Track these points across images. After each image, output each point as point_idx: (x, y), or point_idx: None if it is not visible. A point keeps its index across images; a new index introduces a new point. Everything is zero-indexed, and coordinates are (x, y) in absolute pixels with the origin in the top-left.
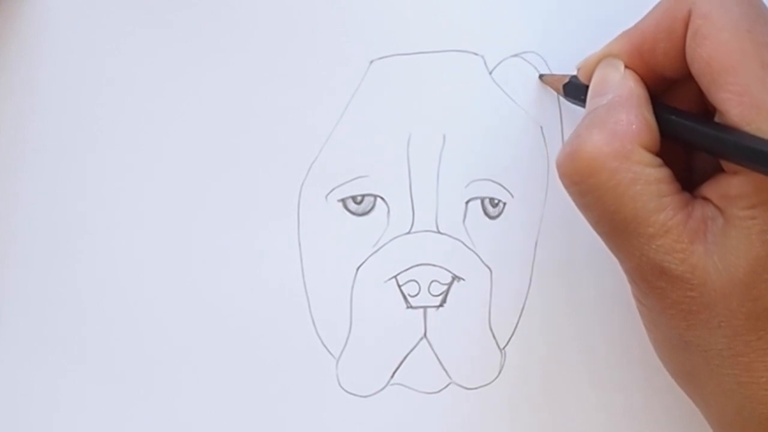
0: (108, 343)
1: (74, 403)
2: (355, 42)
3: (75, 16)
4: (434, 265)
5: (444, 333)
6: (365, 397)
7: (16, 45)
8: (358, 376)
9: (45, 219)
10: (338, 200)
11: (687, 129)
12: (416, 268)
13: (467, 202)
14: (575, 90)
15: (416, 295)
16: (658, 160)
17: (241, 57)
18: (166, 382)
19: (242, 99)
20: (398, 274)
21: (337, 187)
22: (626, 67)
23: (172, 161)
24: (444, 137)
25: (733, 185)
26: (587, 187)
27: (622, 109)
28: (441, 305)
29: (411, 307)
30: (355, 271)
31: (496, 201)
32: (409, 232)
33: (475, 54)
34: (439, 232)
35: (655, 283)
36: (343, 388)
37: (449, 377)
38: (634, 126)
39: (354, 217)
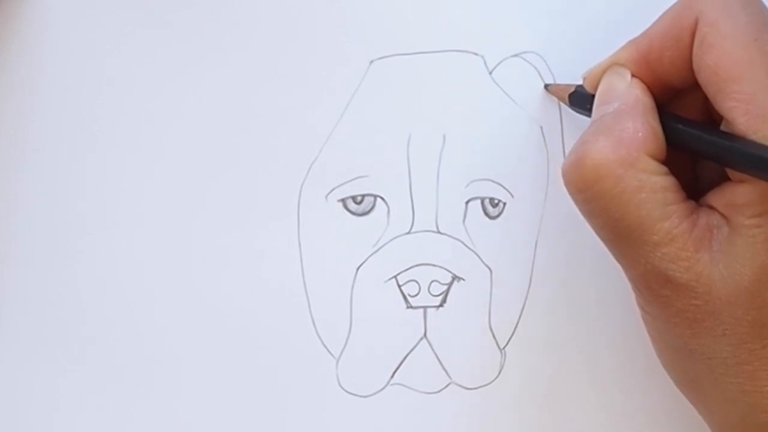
0: (108, 343)
1: (74, 403)
2: (355, 42)
3: (75, 16)
4: (434, 265)
5: (444, 333)
6: (365, 397)
7: (16, 45)
8: (358, 376)
9: (45, 219)
10: (338, 200)
11: (693, 137)
12: (416, 268)
13: (467, 202)
14: (581, 99)
15: (416, 295)
16: (664, 168)
17: (241, 57)
18: (166, 382)
19: (242, 99)
20: (398, 274)
21: (337, 187)
22: (633, 75)
23: (172, 161)
24: (444, 137)
25: (738, 194)
26: (592, 194)
27: (629, 117)
28: (441, 305)
29: (411, 307)
30: (355, 271)
31: (496, 201)
32: (409, 232)
33: (475, 54)
34: (439, 232)
35: (660, 292)
36: (343, 388)
37: (449, 377)
38: (640, 134)
39: (354, 217)
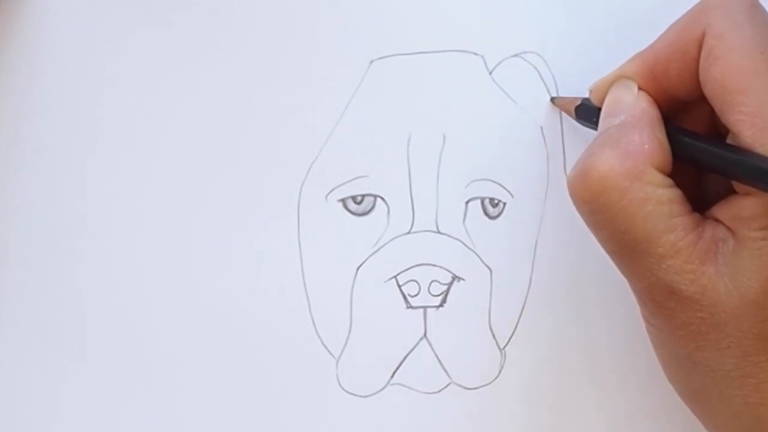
0: (108, 343)
1: (74, 403)
2: (355, 42)
3: (75, 16)
4: (434, 265)
5: (444, 333)
6: (365, 397)
7: (16, 45)
8: (358, 376)
9: (45, 219)
10: (338, 200)
11: (699, 150)
12: (416, 268)
13: (467, 202)
14: (587, 112)
15: (416, 295)
16: (670, 181)
17: (241, 57)
18: (166, 382)
19: (242, 99)
20: (398, 274)
21: (337, 187)
22: (639, 88)
23: (172, 161)
24: (444, 137)
25: (744, 206)
26: (598, 206)
27: (635, 130)
28: (441, 305)
29: (411, 307)
30: (355, 271)
31: (496, 201)
32: (409, 232)
33: (475, 54)
34: (439, 232)
35: (665, 304)
36: (343, 388)
37: (449, 377)
38: (646, 146)
39: (354, 217)
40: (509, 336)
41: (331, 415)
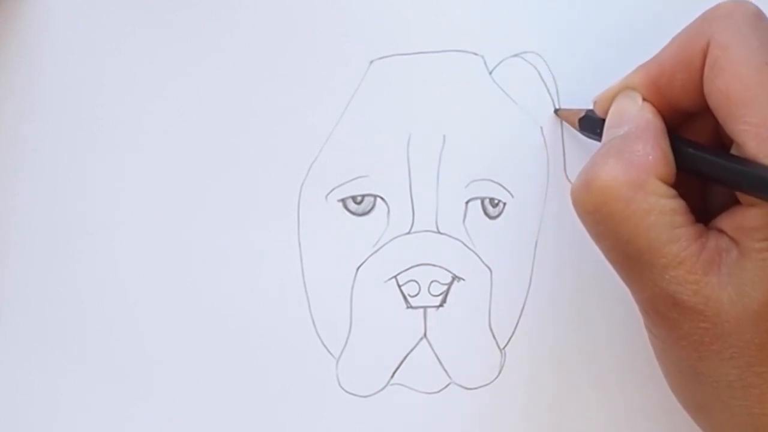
0: (108, 343)
1: (74, 403)
2: (355, 42)
3: (75, 16)
4: (434, 265)
5: (444, 333)
6: (365, 397)
7: (16, 45)
8: (358, 376)
9: (45, 219)
10: (338, 200)
11: (703, 161)
12: (416, 268)
13: (467, 202)
14: (591, 124)
15: (416, 295)
16: (673, 192)
17: (241, 57)
18: (166, 382)
19: (242, 99)
20: (398, 274)
21: (337, 187)
22: (644, 99)
23: (172, 161)
24: (444, 137)
25: (748, 217)
26: (601, 216)
27: (639, 140)
28: (441, 305)
29: (411, 307)
30: (355, 271)
31: (496, 201)
32: (409, 232)
33: (475, 54)
34: (439, 232)
35: (668, 315)
36: (343, 388)
37: (449, 377)
38: (650, 157)
39: (354, 217)
40: (509, 336)
41: (331, 415)
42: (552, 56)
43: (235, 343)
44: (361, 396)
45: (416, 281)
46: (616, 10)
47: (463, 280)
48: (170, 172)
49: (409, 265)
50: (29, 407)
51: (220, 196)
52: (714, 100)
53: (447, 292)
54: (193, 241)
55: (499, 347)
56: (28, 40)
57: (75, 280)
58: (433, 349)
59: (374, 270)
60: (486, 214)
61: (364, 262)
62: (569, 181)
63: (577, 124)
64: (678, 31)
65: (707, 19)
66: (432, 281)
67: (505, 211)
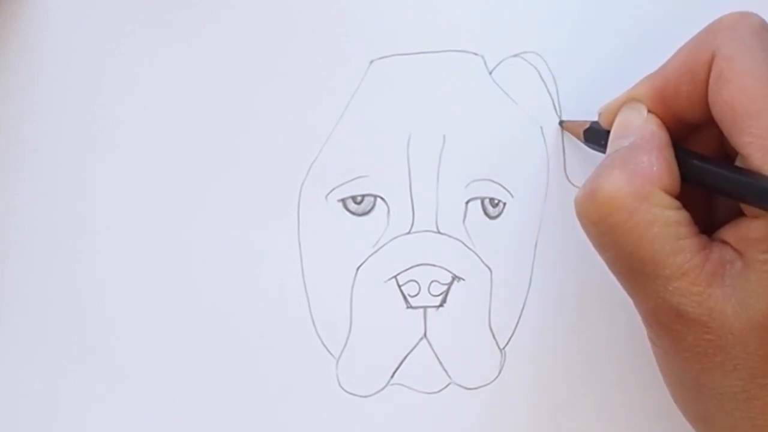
0: (108, 343)
1: (74, 402)
2: (355, 42)
3: (75, 16)
4: (434, 265)
5: (444, 333)
6: (365, 397)
7: (16, 45)
8: (358, 376)
9: (45, 219)
10: (338, 200)
11: (708, 173)
12: (416, 268)
13: (467, 202)
14: (596, 135)
15: (416, 295)
16: (677, 203)
17: (241, 57)
18: (166, 382)
19: (242, 99)
20: (398, 274)
21: (337, 187)
22: (649, 111)
23: (172, 161)
24: (444, 137)
25: (753, 229)
26: (605, 227)
27: (644, 152)
28: (441, 305)
29: (411, 307)
30: (355, 271)
31: (496, 201)
32: (409, 232)
33: (475, 54)
34: (439, 232)
35: (671, 326)
36: (343, 388)
37: (449, 377)
38: (655, 168)
39: (354, 217)
40: (509, 336)
41: (331, 415)
42: (552, 56)
43: (235, 343)
44: (361, 396)
45: (416, 281)
46: (616, 10)
47: (463, 280)
48: (170, 172)
49: (409, 265)
50: (29, 407)
51: (220, 196)
52: (719, 112)
53: (447, 292)
54: (193, 241)
55: (499, 347)
56: (28, 40)
57: (75, 280)
58: (433, 349)
59: (374, 270)
60: (486, 214)
61: (364, 262)
62: (569, 181)
63: (581, 135)
64: (676, 29)
65: (712, 30)
66: (432, 281)
67: (505, 211)
